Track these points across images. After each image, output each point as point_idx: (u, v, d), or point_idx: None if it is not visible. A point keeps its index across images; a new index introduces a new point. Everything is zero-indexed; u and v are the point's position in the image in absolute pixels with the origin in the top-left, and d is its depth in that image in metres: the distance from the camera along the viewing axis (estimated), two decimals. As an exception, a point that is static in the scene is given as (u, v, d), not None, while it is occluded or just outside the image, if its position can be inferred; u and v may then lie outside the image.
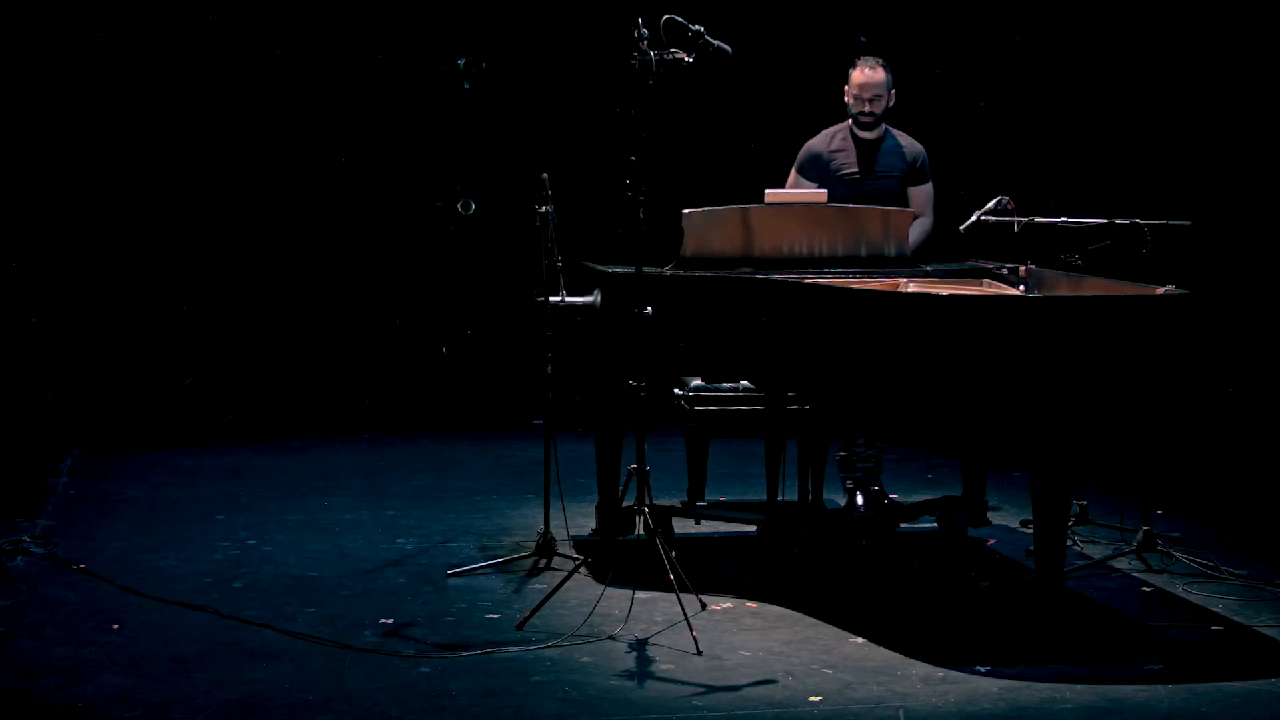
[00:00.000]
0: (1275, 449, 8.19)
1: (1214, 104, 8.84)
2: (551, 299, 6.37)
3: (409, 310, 9.76)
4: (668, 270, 6.39)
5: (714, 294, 6.24)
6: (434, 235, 9.74)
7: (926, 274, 6.48)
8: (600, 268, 6.57)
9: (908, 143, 6.98)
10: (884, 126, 6.94)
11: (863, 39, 9.43)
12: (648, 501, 5.95)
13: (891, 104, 6.88)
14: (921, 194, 6.98)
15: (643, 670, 5.22)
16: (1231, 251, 8.65)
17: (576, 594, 5.95)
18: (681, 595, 5.65)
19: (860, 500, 6.88)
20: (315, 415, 9.49)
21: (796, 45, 9.59)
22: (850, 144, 6.94)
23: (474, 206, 9.58)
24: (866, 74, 6.83)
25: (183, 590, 6.05)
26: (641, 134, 5.85)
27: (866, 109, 6.84)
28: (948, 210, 6.93)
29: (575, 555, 6.47)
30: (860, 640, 5.52)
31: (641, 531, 6.14)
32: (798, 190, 6.90)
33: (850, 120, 6.92)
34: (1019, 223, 6.32)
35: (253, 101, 9.52)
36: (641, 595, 5.85)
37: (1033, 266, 6.34)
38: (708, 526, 6.93)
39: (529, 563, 6.43)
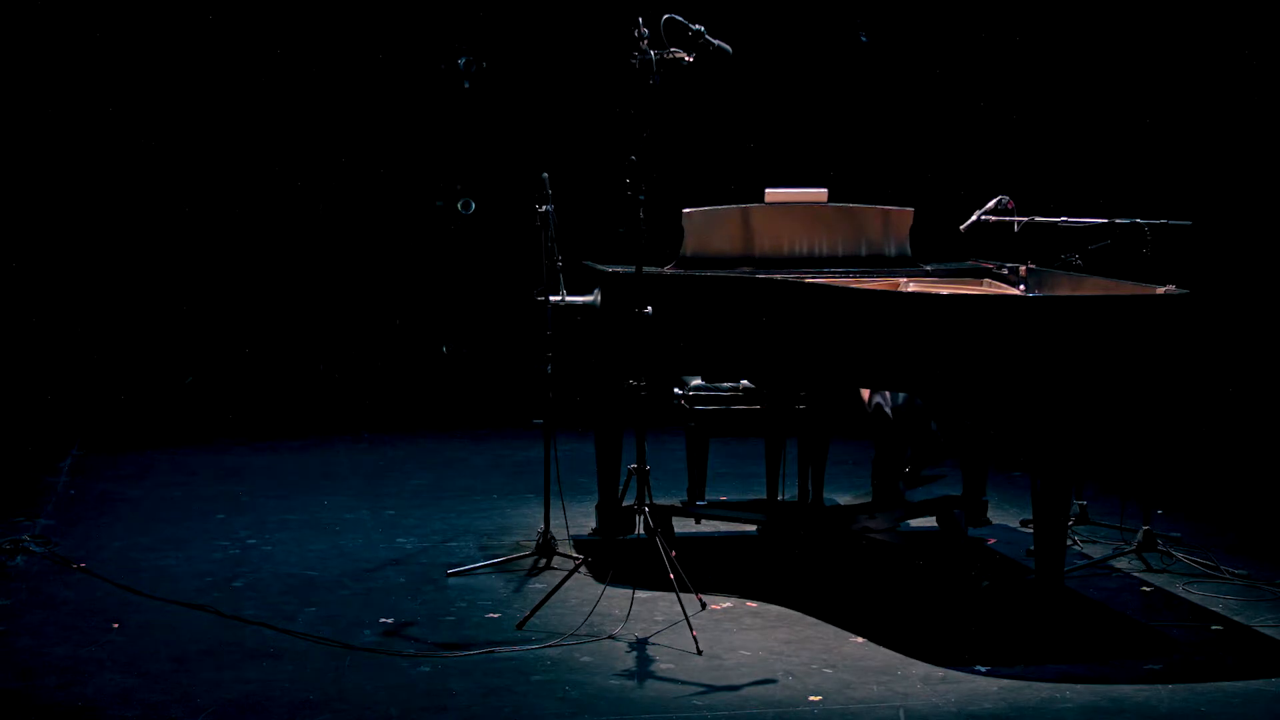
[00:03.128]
0: (1275, 449, 8.19)
1: (1214, 104, 8.84)
2: (551, 299, 6.37)
3: (409, 310, 9.76)
4: (668, 270, 6.39)
5: (714, 293, 6.23)
6: (434, 235, 9.73)
7: (926, 273, 6.48)
8: (600, 267, 6.57)
9: None
10: None
11: (863, 39, 9.43)
12: (648, 501, 5.94)
13: None
14: None
15: (643, 670, 5.22)
16: (1231, 251, 8.65)
17: (576, 594, 5.95)
18: (681, 595, 5.64)
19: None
20: (315, 415, 9.49)
21: (796, 45, 9.59)
22: None
23: (474, 206, 9.58)
24: None
25: (183, 590, 6.05)
26: (641, 134, 5.85)
27: None
28: (948, 210, 6.92)
29: (575, 555, 6.47)
30: (860, 640, 5.52)
31: (641, 531, 6.14)
32: (798, 190, 6.90)
33: None
34: (1019, 222, 6.33)
35: (253, 101, 9.52)
36: (641, 595, 5.85)
37: (1033, 266, 6.34)
38: (708, 526, 6.93)
39: (529, 562, 6.43)
